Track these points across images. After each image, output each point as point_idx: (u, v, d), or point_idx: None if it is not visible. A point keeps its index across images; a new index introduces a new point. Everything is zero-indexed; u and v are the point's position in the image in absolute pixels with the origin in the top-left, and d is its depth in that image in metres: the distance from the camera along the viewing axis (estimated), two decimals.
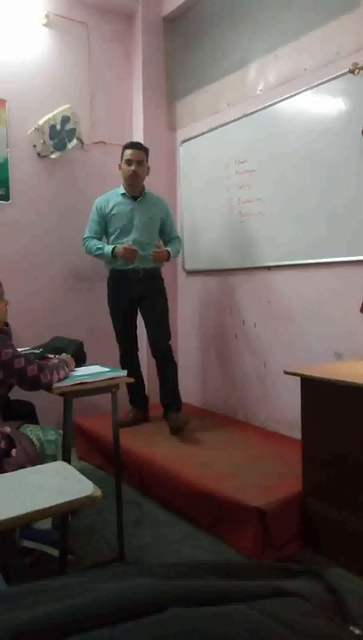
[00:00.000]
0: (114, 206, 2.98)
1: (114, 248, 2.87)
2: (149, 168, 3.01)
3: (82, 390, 1.91)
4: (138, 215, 2.95)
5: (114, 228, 2.97)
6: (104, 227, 3.03)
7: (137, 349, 3.19)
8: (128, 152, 2.92)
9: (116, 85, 3.65)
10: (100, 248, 2.95)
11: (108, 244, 2.99)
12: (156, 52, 3.68)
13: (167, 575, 0.45)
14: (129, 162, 2.90)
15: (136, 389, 3.12)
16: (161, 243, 2.98)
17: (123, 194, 2.99)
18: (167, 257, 2.96)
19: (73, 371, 2.08)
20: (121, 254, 2.84)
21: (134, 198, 2.98)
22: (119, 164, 2.97)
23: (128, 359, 3.09)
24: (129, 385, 2.83)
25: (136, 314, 3.12)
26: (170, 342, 3.05)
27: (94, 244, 2.99)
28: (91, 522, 2.29)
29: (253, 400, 3.17)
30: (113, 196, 3.02)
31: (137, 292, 2.99)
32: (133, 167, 2.89)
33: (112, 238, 2.99)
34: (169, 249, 2.98)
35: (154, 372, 3.13)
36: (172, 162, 3.74)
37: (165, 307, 3.06)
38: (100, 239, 3.02)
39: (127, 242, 2.88)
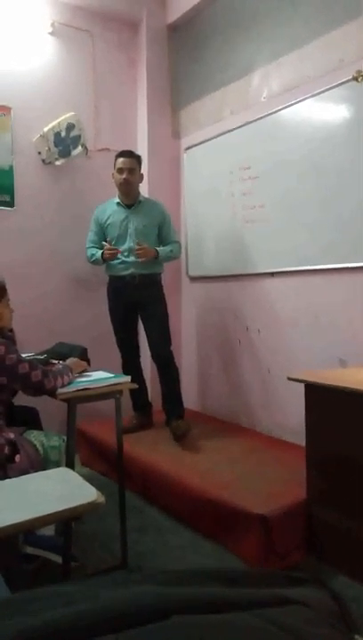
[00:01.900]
0: (109, 216, 3.04)
1: (103, 253, 2.95)
2: (142, 175, 3.06)
3: (85, 396, 1.91)
4: (132, 223, 2.98)
5: (110, 238, 3.02)
6: (102, 236, 3.08)
7: (139, 355, 3.19)
8: (119, 160, 2.95)
9: (121, 93, 3.67)
10: (93, 254, 3.04)
11: None
12: (160, 60, 3.71)
13: (170, 582, 0.45)
14: (120, 170, 2.93)
15: (139, 395, 3.12)
16: (142, 242, 2.92)
17: (118, 203, 3.04)
18: (155, 255, 2.93)
19: (86, 373, 2.10)
20: (105, 257, 2.94)
21: (129, 206, 3.01)
22: (113, 174, 3.00)
23: (130, 365, 3.10)
24: (132, 391, 2.84)
25: (136, 320, 3.13)
26: (171, 348, 3.05)
27: (91, 252, 3.08)
28: (94, 528, 2.29)
29: (256, 406, 3.16)
30: (109, 205, 3.08)
31: (134, 299, 3.00)
32: (124, 175, 2.92)
33: None
34: (159, 248, 2.98)
35: (157, 378, 3.13)
36: (176, 169, 3.75)
37: (164, 313, 3.06)
38: (100, 248, 3.04)
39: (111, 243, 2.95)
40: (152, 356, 3.08)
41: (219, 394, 3.47)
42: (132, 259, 2.94)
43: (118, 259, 2.96)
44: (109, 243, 2.95)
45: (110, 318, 3.13)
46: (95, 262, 3.07)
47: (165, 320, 3.05)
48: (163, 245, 3.05)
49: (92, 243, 3.10)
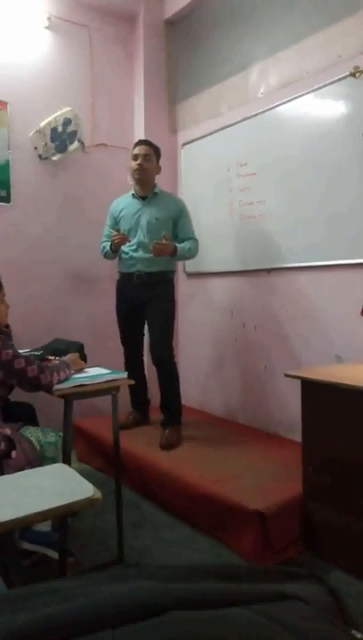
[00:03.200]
0: (123, 208, 2.96)
1: (111, 243, 2.84)
2: (160, 167, 2.96)
3: (82, 392, 1.91)
4: (144, 216, 2.89)
5: (122, 231, 2.88)
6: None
7: (142, 353, 3.14)
8: (135, 149, 2.89)
9: (118, 88, 3.65)
10: (104, 247, 2.97)
11: None
12: (157, 55, 3.69)
13: (168, 578, 0.45)
14: (135, 157, 2.87)
15: (138, 392, 3.10)
16: (168, 236, 2.78)
17: (133, 195, 2.96)
18: (173, 251, 2.78)
19: (83, 370, 2.09)
20: (114, 243, 2.81)
21: (143, 199, 2.93)
22: (129, 165, 2.93)
23: (132, 362, 3.07)
24: (131, 387, 2.82)
25: (142, 319, 3.02)
26: (169, 351, 2.93)
27: (102, 245, 3.00)
28: (90, 524, 2.29)
29: (253, 403, 3.16)
30: (124, 197, 3.01)
31: (139, 297, 2.91)
32: (138, 161, 2.84)
33: None
34: (178, 244, 2.83)
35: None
36: (173, 164, 3.74)
37: (168, 315, 2.94)
38: None
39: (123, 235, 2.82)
40: (152, 359, 3.01)
41: (216, 390, 3.47)
42: (139, 254, 2.85)
43: (127, 253, 2.88)
44: (117, 231, 2.81)
45: (116, 313, 3.07)
46: (107, 256, 2.98)
47: (166, 322, 2.92)
48: (178, 242, 2.88)
49: (106, 237, 2.97)
